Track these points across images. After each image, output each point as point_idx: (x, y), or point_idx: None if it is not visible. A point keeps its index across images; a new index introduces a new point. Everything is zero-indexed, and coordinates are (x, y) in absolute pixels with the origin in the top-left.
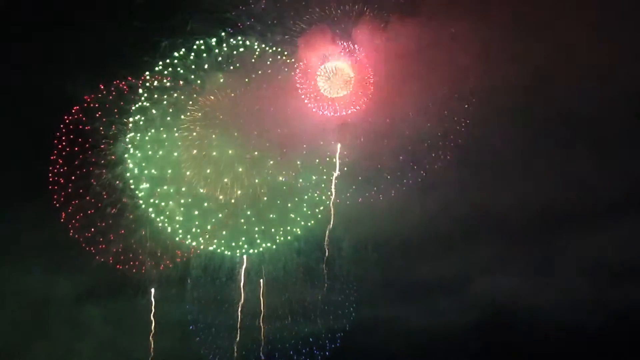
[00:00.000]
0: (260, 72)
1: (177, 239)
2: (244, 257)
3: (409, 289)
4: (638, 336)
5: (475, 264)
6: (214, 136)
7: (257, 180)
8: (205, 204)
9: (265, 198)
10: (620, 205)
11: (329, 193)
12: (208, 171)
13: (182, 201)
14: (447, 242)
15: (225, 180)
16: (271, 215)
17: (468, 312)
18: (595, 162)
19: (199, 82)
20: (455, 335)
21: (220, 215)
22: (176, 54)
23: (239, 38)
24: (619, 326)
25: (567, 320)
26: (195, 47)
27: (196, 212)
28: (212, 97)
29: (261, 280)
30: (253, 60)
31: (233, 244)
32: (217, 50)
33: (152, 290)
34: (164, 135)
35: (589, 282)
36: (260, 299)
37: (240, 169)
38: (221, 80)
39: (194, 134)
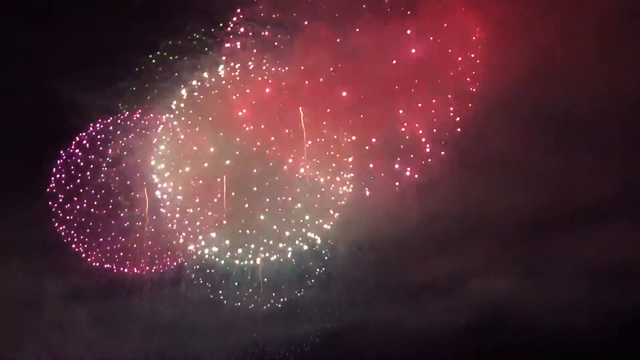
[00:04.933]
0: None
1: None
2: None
3: (401, 290)
4: (631, 338)
5: (468, 266)
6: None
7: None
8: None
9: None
10: (614, 208)
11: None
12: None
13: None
14: (441, 243)
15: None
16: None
17: (461, 313)
18: (589, 164)
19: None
20: (448, 336)
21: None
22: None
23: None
24: (612, 328)
25: (561, 322)
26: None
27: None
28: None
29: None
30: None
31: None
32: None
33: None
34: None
35: (583, 284)
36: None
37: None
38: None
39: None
